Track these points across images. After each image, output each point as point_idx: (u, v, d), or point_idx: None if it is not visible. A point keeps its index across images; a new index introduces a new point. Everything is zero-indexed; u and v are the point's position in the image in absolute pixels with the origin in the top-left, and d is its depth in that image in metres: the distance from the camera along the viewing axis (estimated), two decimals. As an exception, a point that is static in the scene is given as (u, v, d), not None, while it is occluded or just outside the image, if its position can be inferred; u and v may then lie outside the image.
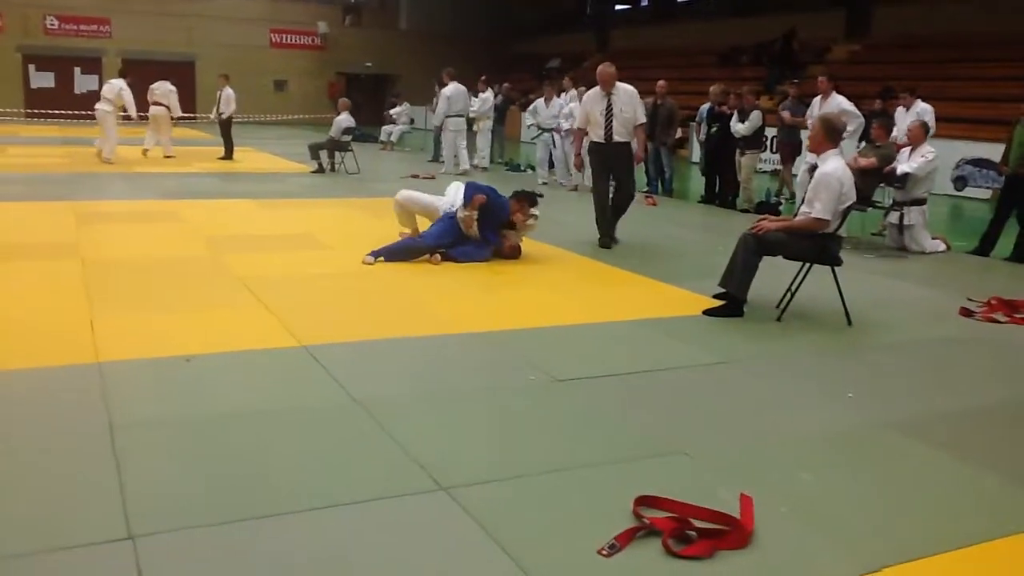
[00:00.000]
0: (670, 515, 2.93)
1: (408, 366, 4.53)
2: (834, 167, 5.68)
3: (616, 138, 8.25)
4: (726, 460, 3.48)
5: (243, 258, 7.09)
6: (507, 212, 7.52)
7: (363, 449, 3.44)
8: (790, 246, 5.75)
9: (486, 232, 7.38)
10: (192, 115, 27.84)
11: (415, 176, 14.02)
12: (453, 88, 14.89)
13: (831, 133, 5.82)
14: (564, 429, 3.75)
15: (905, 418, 4.04)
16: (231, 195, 11.20)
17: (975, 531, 2.99)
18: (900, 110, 10.54)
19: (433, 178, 13.55)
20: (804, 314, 5.88)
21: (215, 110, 16.22)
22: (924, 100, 10.68)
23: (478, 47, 32.17)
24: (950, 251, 8.78)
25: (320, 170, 14.34)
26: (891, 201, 9.01)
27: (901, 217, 8.68)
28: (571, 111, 13.07)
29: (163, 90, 16.12)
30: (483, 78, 16.65)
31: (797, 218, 5.84)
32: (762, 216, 6.08)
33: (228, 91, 15.92)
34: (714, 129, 12.04)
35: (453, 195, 7.56)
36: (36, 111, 27.16)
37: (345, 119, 14.55)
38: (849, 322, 5.71)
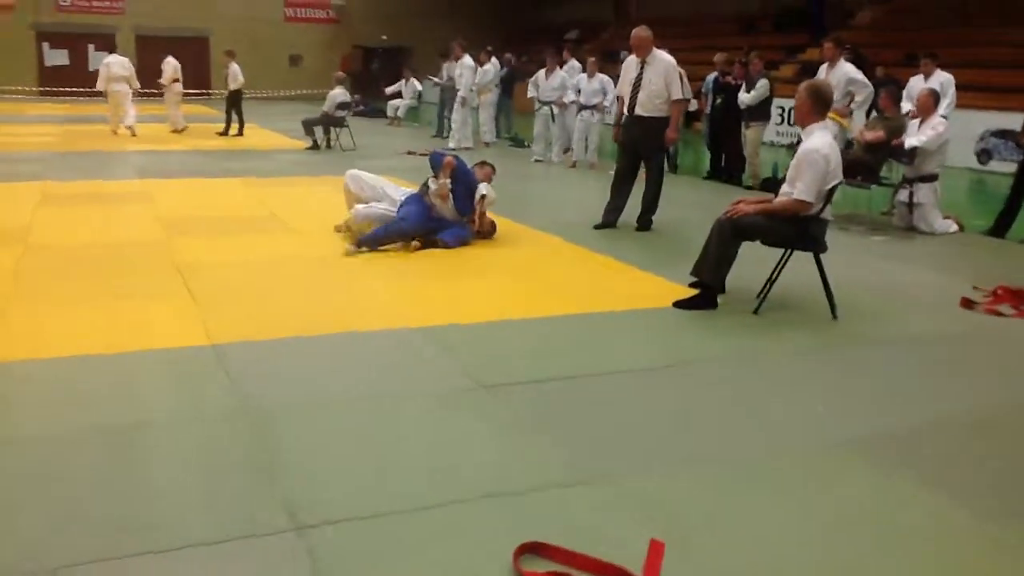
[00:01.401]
0: (558, 569, 2.45)
1: (321, 368, 4.06)
2: (820, 143, 5.10)
3: (639, 111, 7.58)
4: (649, 492, 2.97)
5: (195, 242, 6.67)
6: (474, 178, 7.02)
7: (228, 474, 2.98)
8: (769, 231, 5.19)
9: (460, 203, 6.87)
10: (206, 91, 27.63)
11: (411, 153, 13.52)
12: (471, 60, 14.49)
13: (819, 103, 5.24)
14: (467, 450, 3.25)
15: (874, 434, 3.51)
16: (213, 174, 10.79)
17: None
18: (917, 78, 9.86)
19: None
20: (787, 305, 5.34)
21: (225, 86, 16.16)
22: (944, 68, 9.99)
23: (494, 18, 31.45)
24: (962, 232, 8.14)
25: (314, 147, 13.90)
26: (900, 177, 8.37)
27: (910, 195, 8.05)
28: (577, 84, 12.52)
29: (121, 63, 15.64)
30: (488, 49, 16.06)
31: (777, 199, 5.28)
32: (738, 199, 5.50)
33: (234, 67, 15.94)
34: (719, 100, 11.41)
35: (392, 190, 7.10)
36: (50, 89, 26.98)
37: (340, 93, 14.07)
38: (834, 315, 5.16)
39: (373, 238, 6.54)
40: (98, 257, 6.12)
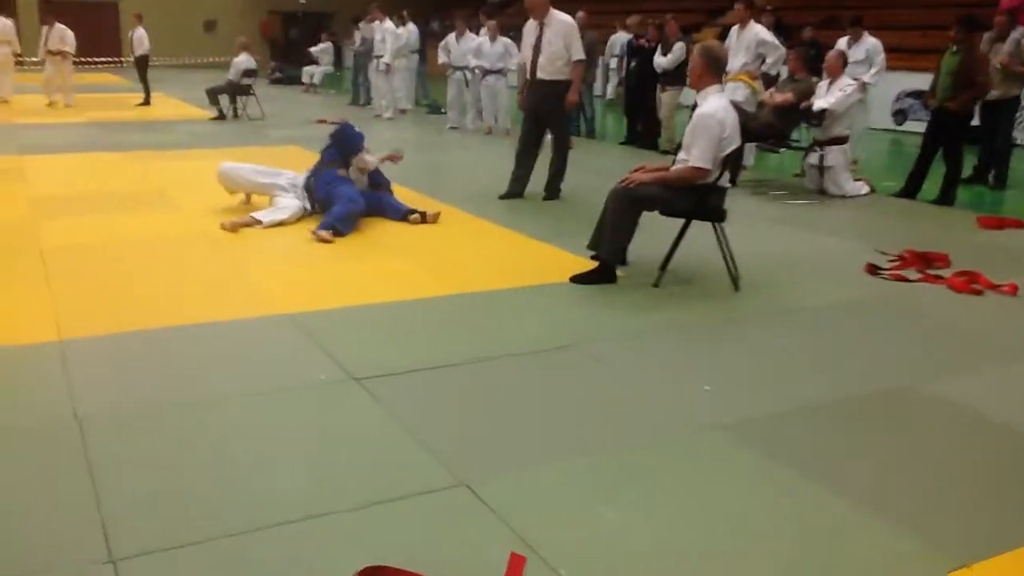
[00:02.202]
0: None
1: (175, 366, 3.69)
2: (714, 107, 4.87)
3: (540, 75, 7.29)
4: (513, 494, 2.70)
5: (64, 223, 6.20)
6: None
7: (44, 496, 2.63)
8: (665, 201, 4.96)
9: (373, 174, 6.85)
10: (118, 60, 26.42)
11: (323, 121, 13.01)
12: (392, 25, 14.03)
13: (713, 66, 5.00)
14: (319, 459, 2.94)
15: (759, 417, 3.31)
16: (105, 147, 10.16)
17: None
18: (842, 41, 9.72)
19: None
20: (690, 278, 5.14)
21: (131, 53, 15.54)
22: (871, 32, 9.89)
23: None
24: (874, 194, 8.06)
25: (220, 116, 13.29)
26: (811, 140, 8.25)
27: (821, 158, 7.93)
28: (478, 48, 12.09)
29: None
30: (404, 12, 15.54)
31: (673, 168, 5.04)
32: (637, 166, 5.24)
33: (140, 31, 15.41)
34: (633, 64, 11.16)
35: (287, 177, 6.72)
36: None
37: (245, 60, 13.45)
38: (736, 287, 4.97)
39: (338, 221, 5.99)
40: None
